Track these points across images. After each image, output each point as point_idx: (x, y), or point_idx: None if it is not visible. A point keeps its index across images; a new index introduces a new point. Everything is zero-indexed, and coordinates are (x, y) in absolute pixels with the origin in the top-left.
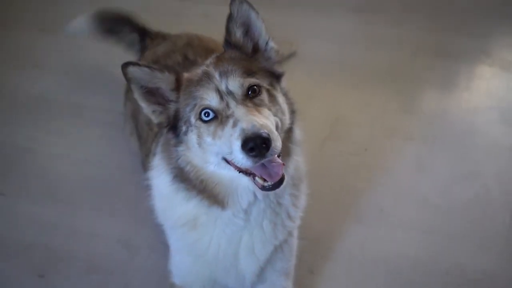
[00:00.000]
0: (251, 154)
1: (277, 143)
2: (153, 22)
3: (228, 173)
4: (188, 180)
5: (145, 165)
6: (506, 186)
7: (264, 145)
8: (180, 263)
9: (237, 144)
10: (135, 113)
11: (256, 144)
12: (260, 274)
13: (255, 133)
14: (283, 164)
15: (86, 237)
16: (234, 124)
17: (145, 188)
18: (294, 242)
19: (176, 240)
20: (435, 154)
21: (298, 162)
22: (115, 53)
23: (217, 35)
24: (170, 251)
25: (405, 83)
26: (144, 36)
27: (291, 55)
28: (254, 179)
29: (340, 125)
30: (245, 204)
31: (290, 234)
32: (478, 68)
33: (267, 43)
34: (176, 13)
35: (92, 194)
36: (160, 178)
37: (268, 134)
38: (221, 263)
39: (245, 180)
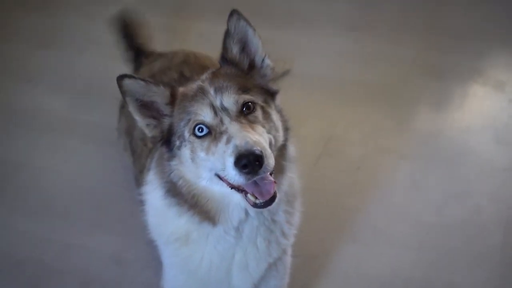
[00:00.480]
0: (244, 171)
1: (270, 160)
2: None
3: (220, 189)
4: (180, 195)
5: (138, 181)
6: (498, 205)
7: (257, 162)
8: (173, 279)
9: (230, 161)
10: (129, 129)
11: (249, 161)
12: None
13: (249, 150)
14: (275, 182)
15: (79, 252)
16: (228, 141)
17: (139, 204)
18: (288, 259)
19: (168, 256)
20: (429, 173)
21: (292, 179)
22: (110, 68)
23: (212, 53)
24: (163, 267)
25: (399, 102)
26: (139, 55)
27: (285, 73)
28: (246, 196)
29: (334, 143)
30: (235, 222)
31: (284, 251)
32: (471, 87)
33: (263, 60)
34: (170, 31)
35: (86, 209)
36: (153, 193)
37: (261, 151)
38: (213, 280)
39: (237, 196)
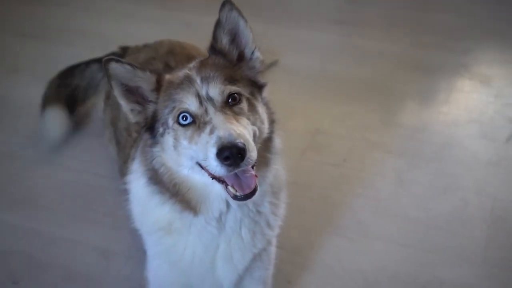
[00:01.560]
0: (225, 163)
1: (253, 153)
2: (136, 30)
3: (201, 179)
4: (162, 183)
5: (123, 171)
6: (484, 200)
7: (239, 155)
8: (157, 269)
9: (212, 152)
10: (114, 120)
11: (231, 153)
12: (238, 283)
13: (231, 142)
14: (256, 176)
15: (63, 244)
16: (211, 131)
17: (123, 193)
18: (273, 250)
19: (152, 245)
20: (414, 167)
21: (277, 170)
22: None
23: (199, 44)
24: (147, 257)
25: (386, 96)
26: None
27: (273, 64)
28: (226, 187)
29: (320, 136)
30: (216, 213)
31: (269, 242)
32: (458, 82)
33: (253, 52)
34: (157, 21)
35: (70, 200)
36: (137, 182)
37: (244, 144)
38: (196, 270)
39: (218, 187)
